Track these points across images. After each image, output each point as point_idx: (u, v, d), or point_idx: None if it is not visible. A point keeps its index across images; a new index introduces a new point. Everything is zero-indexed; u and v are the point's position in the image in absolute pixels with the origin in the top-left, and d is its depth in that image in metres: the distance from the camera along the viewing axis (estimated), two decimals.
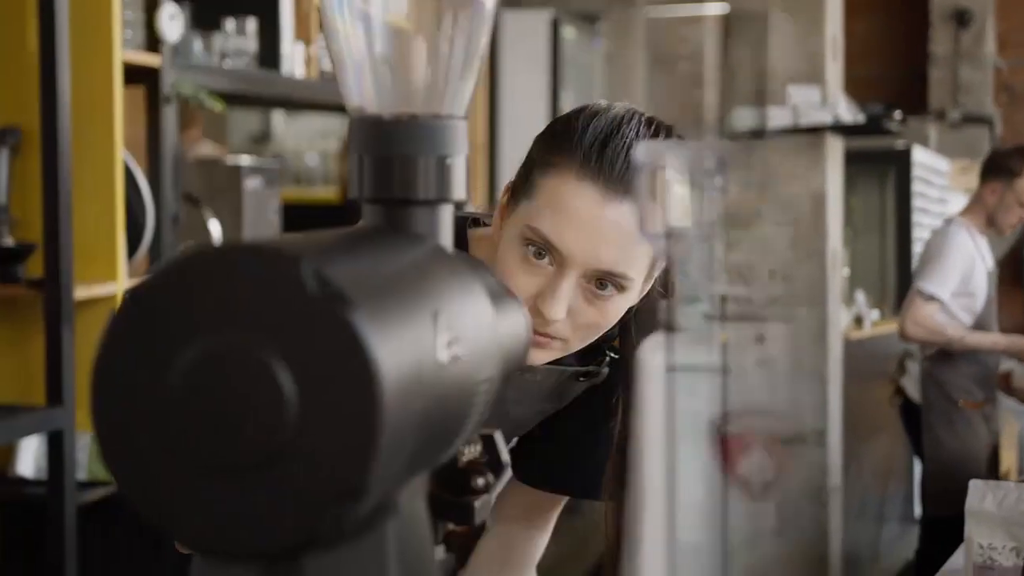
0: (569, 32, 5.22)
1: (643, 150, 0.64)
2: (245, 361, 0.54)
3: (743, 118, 5.28)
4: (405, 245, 0.67)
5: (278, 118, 5.81)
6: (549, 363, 1.38)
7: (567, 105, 4.71)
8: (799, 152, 5.29)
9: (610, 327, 1.31)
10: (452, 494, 0.76)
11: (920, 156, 6.76)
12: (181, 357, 0.55)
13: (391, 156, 0.70)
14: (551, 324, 1.26)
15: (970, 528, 1.92)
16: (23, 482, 2.91)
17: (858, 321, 5.57)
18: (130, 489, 0.56)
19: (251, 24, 3.52)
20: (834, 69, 5.67)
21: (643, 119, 1.28)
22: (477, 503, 0.76)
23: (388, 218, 0.71)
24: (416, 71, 0.71)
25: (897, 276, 6.76)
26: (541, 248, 1.25)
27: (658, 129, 1.29)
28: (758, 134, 5.16)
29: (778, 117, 5.31)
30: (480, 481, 0.77)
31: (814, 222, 5.41)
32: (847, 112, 5.64)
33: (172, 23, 2.94)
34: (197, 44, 3.33)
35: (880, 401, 5.01)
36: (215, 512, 0.55)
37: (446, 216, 0.72)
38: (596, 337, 1.31)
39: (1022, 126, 9.32)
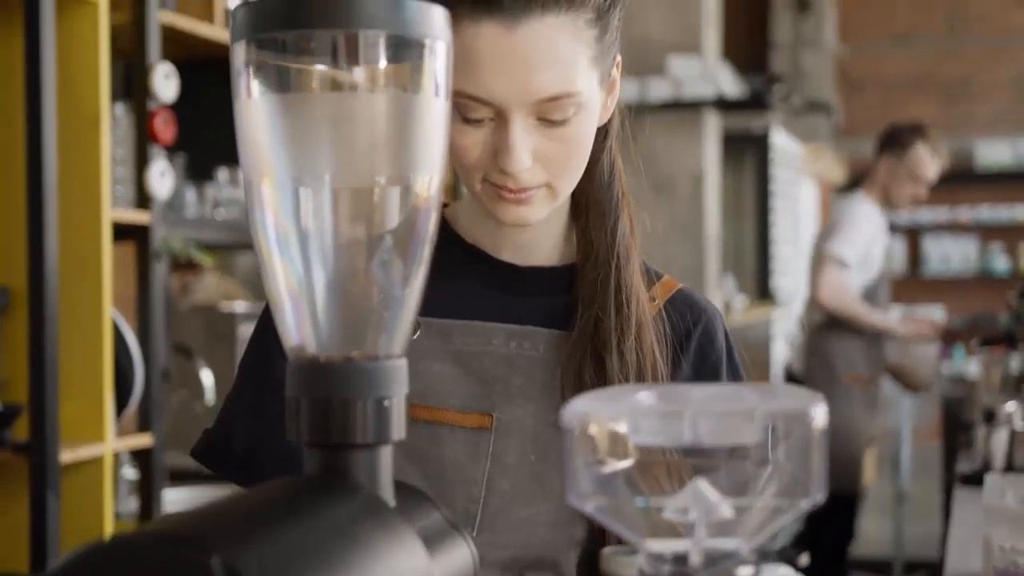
0: None
1: (574, 411, 0.62)
2: None
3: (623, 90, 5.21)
4: (335, 503, 0.65)
5: None
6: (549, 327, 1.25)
7: None
8: (678, 128, 5.19)
9: (586, 153, 1.20)
10: None
11: (777, 139, 6.70)
12: None
13: (328, 399, 0.69)
14: (520, 176, 1.16)
15: (989, 528, 1.64)
16: None
17: (726, 307, 5.48)
18: None
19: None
20: (712, 38, 5.48)
21: None
22: None
23: (326, 463, 0.69)
24: (353, 312, 0.70)
25: (756, 260, 6.69)
26: (471, 110, 1.15)
27: None
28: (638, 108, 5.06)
29: (658, 88, 5.27)
30: None
31: (692, 203, 5.28)
32: (730, 84, 5.50)
33: (162, 180, 2.95)
34: (190, 194, 3.35)
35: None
36: None
37: (385, 458, 0.70)
38: (580, 171, 1.21)
39: (860, 114, 9.20)
